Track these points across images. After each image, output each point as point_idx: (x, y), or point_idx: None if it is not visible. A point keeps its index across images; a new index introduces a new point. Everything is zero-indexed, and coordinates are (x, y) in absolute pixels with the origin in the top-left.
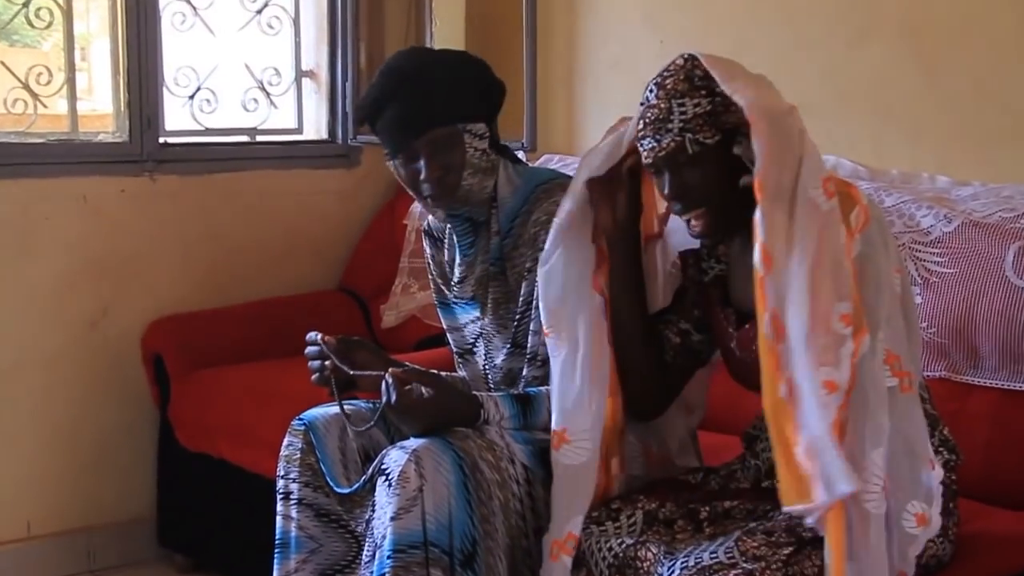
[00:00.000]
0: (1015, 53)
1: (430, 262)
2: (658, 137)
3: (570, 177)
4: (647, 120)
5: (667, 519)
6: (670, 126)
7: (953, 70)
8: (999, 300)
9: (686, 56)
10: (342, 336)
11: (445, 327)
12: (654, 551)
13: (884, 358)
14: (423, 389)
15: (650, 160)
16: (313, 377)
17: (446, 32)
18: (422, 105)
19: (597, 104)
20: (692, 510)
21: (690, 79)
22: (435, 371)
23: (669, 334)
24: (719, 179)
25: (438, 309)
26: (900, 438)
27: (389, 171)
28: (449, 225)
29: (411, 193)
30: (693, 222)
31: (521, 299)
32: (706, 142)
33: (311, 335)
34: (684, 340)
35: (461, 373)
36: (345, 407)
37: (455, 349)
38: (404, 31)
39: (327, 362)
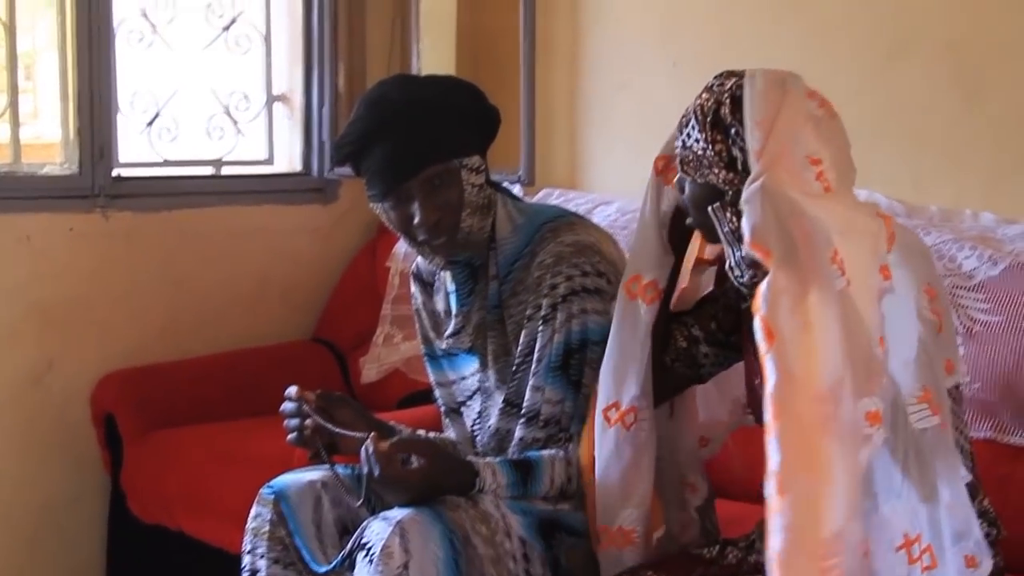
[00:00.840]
0: None
1: (421, 310)
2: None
3: (578, 215)
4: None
5: None
6: (679, 134)
7: (1000, 92)
8: None
9: (744, 75)
10: (322, 391)
11: (433, 382)
12: None
13: (919, 396)
14: (413, 458)
15: None
16: (289, 437)
17: (434, 52)
18: (416, 141)
19: (603, 132)
20: None
21: (716, 110)
22: (425, 433)
23: (677, 335)
24: (706, 214)
25: (426, 362)
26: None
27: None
28: (445, 271)
29: (404, 239)
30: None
31: (519, 350)
32: (689, 178)
33: (290, 390)
34: (690, 347)
35: (449, 433)
36: (338, 471)
37: (442, 406)
38: (387, 51)
39: (307, 420)
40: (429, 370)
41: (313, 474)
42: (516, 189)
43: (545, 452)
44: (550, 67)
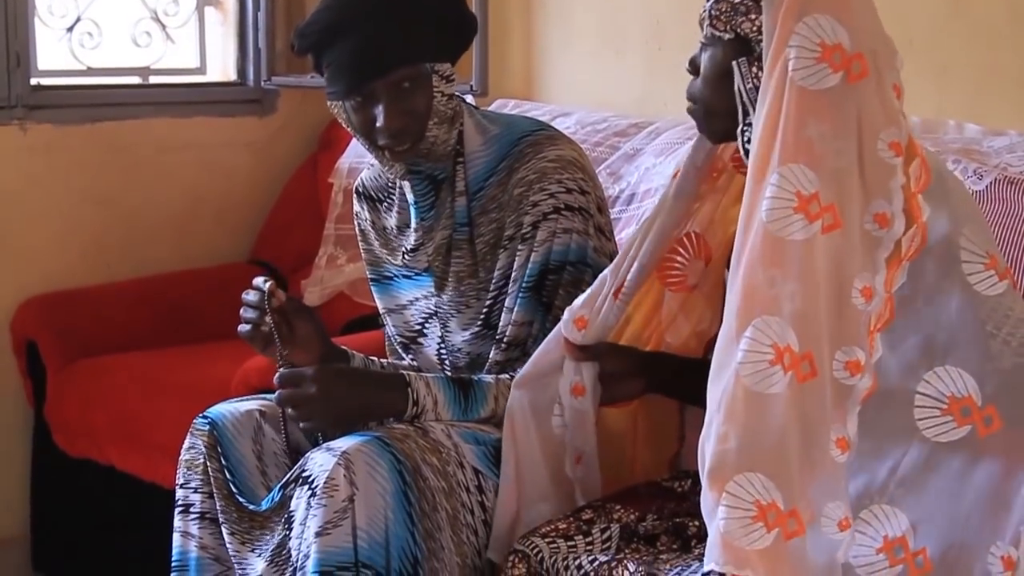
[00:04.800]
0: None
1: (367, 229)
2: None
3: (553, 127)
4: None
5: (648, 534)
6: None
7: None
8: None
9: None
10: (291, 297)
11: (382, 309)
12: (632, 570)
13: (946, 406)
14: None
15: None
16: (242, 328)
17: None
18: (388, 38)
19: (561, 37)
20: (678, 524)
21: None
22: (377, 359)
23: None
24: (723, 83)
25: (372, 287)
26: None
27: (310, 119)
28: (403, 182)
29: (362, 143)
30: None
31: (498, 270)
32: (717, 34)
33: (258, 280)
34: None
35: (406, 361)
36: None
37: (398, 337)
38: None
39: (266, 318)
40: (377, 296)
41: (251, 403)
42: (468, 99)
43: (495, 377)
44: None
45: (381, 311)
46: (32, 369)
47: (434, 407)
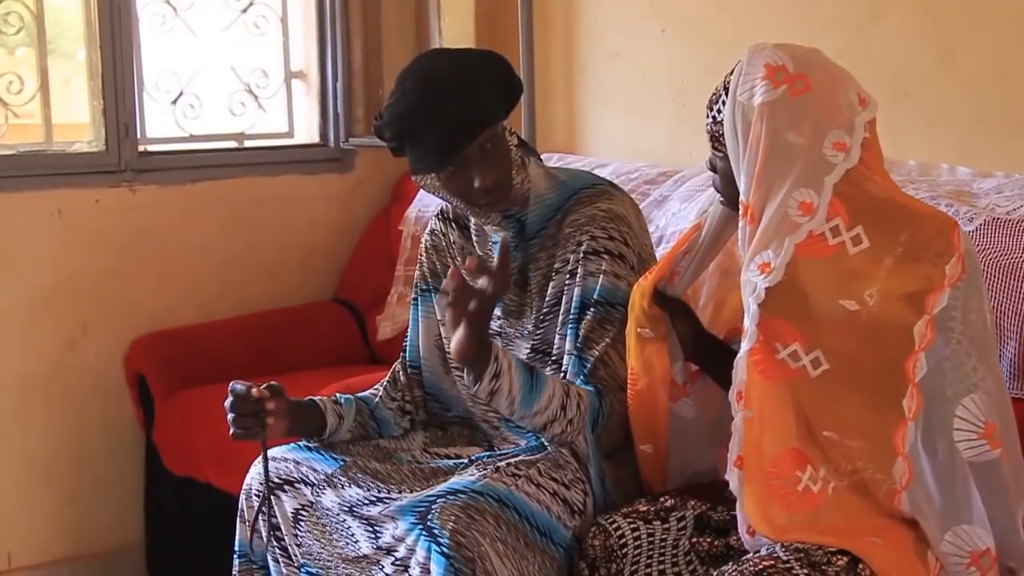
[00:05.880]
0: None
1: (444, 246)
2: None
3: (613, 184)
4: None
5: (720, 526)
6: (709, 113)
7: (973, 51)
8: None
9: (755, 47)
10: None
11: (441, 317)
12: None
13: (983, 430)
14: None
15: None
16: (236, 434)
17: (455, 28)
18: (470, 108)
19: (598, 98)
20: None
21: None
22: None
23: None
24: (734, 185)
25: (434, 298)
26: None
27: (383, 175)
28: (495, 227)
29: (459, 204)
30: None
31: (547, 300)
32: (719, 154)
33: (238, 387)
34: None
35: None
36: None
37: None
38: (403, 27)
39: (269, 419)
40: (438, 307)
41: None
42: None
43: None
44: (547, 39)
45: (440, 321)
46: (143, 398)
47: (508, 370)
